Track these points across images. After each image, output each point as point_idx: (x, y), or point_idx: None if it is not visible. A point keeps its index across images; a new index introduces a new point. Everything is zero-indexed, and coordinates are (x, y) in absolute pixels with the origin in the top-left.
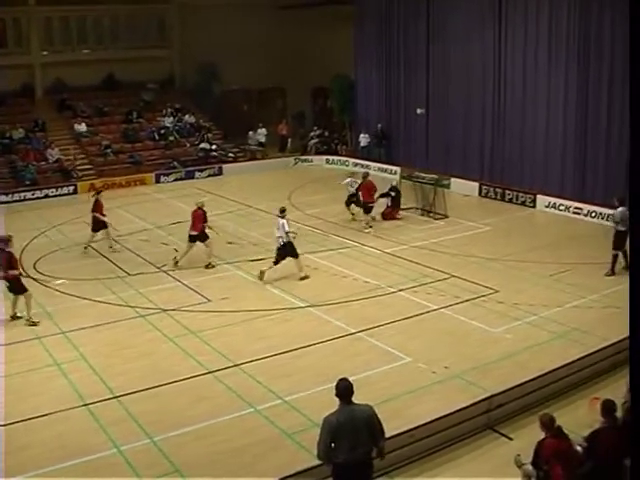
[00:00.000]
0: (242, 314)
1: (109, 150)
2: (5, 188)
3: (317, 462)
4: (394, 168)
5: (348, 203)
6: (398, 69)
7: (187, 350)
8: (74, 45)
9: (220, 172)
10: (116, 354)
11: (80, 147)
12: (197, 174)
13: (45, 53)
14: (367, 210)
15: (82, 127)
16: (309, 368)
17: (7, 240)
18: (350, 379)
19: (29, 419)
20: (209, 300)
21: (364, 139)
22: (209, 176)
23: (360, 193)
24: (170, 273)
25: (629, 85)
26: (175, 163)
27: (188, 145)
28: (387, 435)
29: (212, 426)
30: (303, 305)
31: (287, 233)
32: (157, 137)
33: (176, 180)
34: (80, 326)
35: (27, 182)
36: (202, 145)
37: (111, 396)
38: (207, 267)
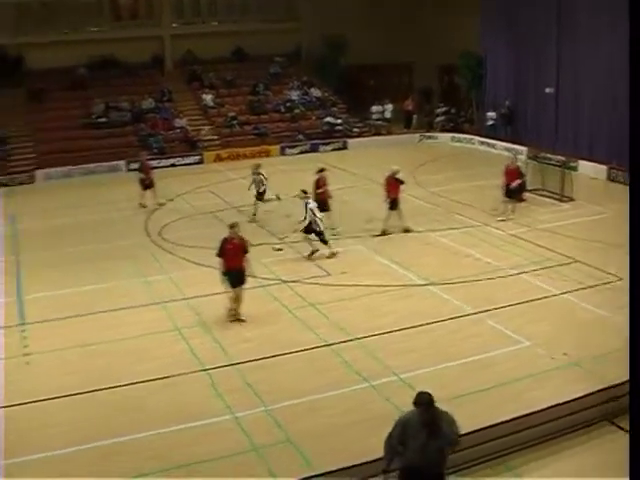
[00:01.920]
0: (361, 288)
1: (235, 121)
2: (133, 156)
3: None
4: (520, 148)
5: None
6: (527, 47)
7: (306, 322)
8: (204, 17)
9: (344, 146)
10: (236, 323)
11: (207, 118)
12: (321, 147)
13: (175, 25)
14: (510, 194)
15: (209, 98)
16: (427, 347)
17: (232, 226)
18: (467, 360)
19: (149, 380)
20: (329, 273)
21: (491, 117)
22: (333, 150)
23: (504, 177)
24: (292, 245)
25: (630, 82)
26: (300, 136)
27: (314, 118)
28: (504, 419)
29: (327, 398)
30: (423, 283)
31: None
32: (283, 109)
33: (301, 153)
34: (201, 293)
35: (155, 150)
36: (327, 119)
37: (229, 363)
38: (383, 234)
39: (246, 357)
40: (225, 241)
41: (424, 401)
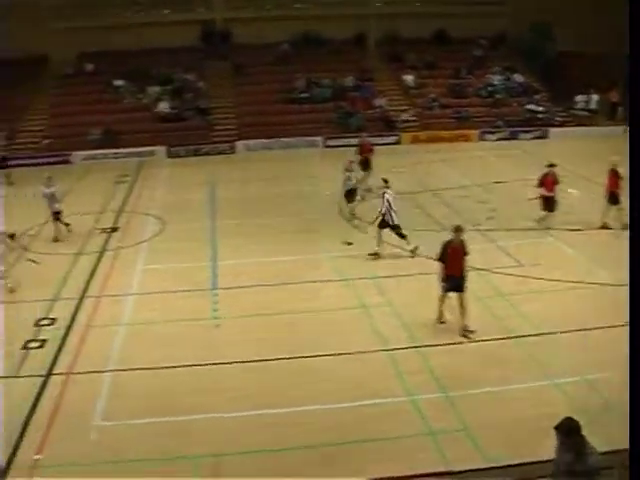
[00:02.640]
0: (552, 283)
1: (436, 104)
2: (331, 133)
3: (607, 448)
4: None
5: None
6: None
7: (493, 311)
8: None
9: (545, 135)
10: (422, 305)
11: (407, 98)
12: (521, 135)
13: (379, 4)
14: None
15: (410, 79)
16: (613, 350)
17: (457, 229)
18: None
19: (332, 355)
20: (521, 264)
21: None
22: (534, 138)
23: None
24: (485, 233)
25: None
26: (500, 122)
27: (515, 105)
28: None
29: (507, 391)
30: (616, 283)
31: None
32: (484, 94)
33: (500, 140)
34: (389, 273)
35: (353, 129)
36: (529, 106)
37: (412, 345)
38: (602, 227)
39: (430, 341)
40: (447, 244)
41: (562, 428)
